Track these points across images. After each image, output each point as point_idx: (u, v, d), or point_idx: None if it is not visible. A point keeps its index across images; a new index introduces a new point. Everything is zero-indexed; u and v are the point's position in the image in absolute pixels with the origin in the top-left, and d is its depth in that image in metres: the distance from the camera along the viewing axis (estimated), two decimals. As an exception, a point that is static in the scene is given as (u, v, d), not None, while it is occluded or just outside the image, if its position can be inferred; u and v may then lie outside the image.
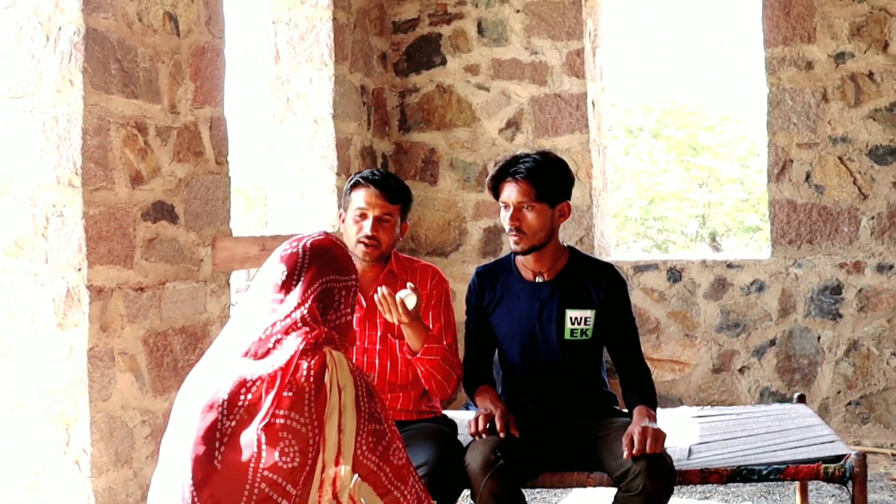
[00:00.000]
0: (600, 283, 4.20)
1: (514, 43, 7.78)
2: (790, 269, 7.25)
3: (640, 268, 7.58)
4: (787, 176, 7.26)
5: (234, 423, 2.70)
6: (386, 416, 2.88)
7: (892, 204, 7.06)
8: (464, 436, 4.18)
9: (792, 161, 7.25)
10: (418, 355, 4.03)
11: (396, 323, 3.99)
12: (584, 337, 4.17)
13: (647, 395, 4.10)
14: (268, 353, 2.79)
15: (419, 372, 4.11)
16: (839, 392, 7.15)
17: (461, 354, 4.35)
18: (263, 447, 2.66)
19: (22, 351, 4.62)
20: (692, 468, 3.99)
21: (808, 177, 7.22)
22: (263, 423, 2.67)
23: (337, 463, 2.73)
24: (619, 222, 15.77)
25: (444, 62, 7.93)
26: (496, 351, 4.35)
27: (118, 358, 4.73)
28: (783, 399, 7.13)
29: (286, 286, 2.91)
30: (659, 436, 3.80)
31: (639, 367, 4.19)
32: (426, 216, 7.91)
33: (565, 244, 4.32)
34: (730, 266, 7.42)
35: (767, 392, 7.29)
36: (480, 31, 7.84)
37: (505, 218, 4.13)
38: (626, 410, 4.20)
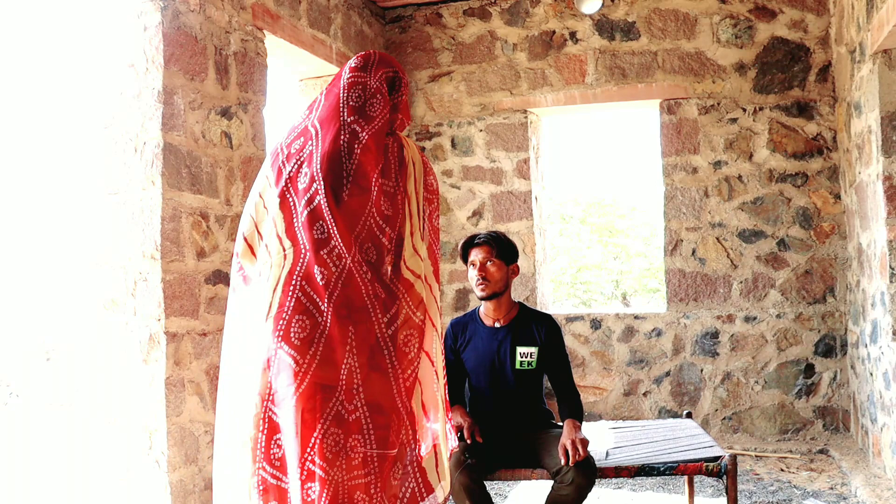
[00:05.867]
0: (542, 328, 4.23)
1: (478, 154, 7.86)
2: (681, 319, 7.32)
3: (571, 318, 7.62)
4: (678, 251, 7.35)
5: (355, 166, 2.93)
6: (431, 189, 3.20)
7: (755, 272, 7.15)
8: (442, 442, 4.21)
9: (682, 240, 7.34)
10: None
11: None
12: (530, 367, 4.18)
13: (575, 412, 4.11)
14: (364, 112, 3.01)
15: None
16: (716, 410, 7.18)
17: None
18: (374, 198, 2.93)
19: (117, 380, 4.64)
20: (609, 466, 4.00)
21: (693, 252, 7.31)
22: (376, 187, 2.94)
23: (412, 215, 3.02)
24: (555, 285, 15.74)
25: (426, 167, 7.96)
26: (466, 379, 4.36)
27: (187, 385, 4.74)
28: (675, 415, 7.17)
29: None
30: (584, 442, 3.82)
31: (570, 391, 4.19)
32: (413, 280, 7.90)
33: (516, 300, 4.37)
34: (636, 317, 7.47)
35: (664, 410, 7.31)
36: (454, 145, 7.93)
37: (472, 273, 4.20)
38: (559, 423, 4.22)
